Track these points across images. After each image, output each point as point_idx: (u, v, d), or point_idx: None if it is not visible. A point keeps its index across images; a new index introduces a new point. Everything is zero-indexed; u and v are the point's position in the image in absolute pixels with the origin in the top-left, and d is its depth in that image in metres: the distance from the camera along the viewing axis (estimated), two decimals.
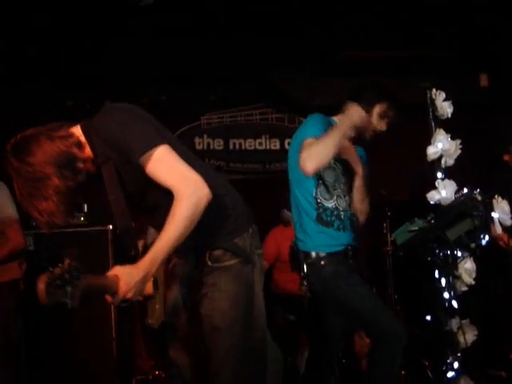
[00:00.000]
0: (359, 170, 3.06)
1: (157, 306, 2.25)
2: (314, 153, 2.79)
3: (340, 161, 3.03)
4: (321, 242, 2.98)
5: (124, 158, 2.01)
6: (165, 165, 1.97)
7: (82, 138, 2.07)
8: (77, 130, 2.09)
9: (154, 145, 1.96)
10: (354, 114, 2.87)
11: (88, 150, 2.08)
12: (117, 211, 2.09)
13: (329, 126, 2.95)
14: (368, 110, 3.00)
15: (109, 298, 1.94)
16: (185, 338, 2.26)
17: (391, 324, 2.88)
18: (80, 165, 2.03)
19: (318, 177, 3.00)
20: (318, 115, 3.06)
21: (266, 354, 2.21)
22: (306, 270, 2.97)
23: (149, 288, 2.18)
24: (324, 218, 3.00)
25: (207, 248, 2.14)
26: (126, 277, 1.89)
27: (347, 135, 2.86)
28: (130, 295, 1.91)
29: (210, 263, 2.13)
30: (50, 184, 1.95)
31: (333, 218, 3.01)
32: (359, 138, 3.10)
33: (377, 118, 3.08)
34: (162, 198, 2.02)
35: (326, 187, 3.01)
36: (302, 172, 2.83)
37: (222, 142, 5.72)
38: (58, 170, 1.96)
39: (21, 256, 3.87)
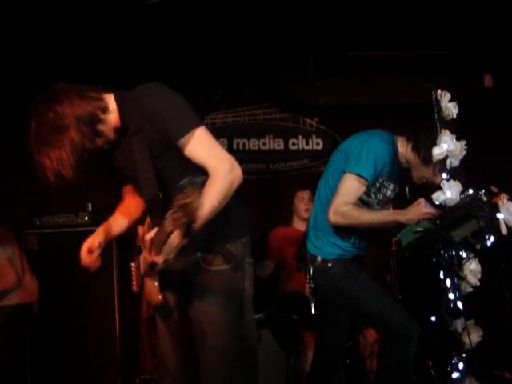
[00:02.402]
0: None
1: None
2: (349, 218, 2.79)
3: (380, 193, 2.95)
4: (331, 251, 2.95)
5: (158, 132, 2.04)
6: (203, 145, 2.03)
7: (113, 106, 2.12)
8: (109, 97, 2.14)
9: (195, 125, 2.02)
10: (414, 216, 2.79)
11: (115, 118, 2.13)
12: (144, 180, 2.12)
13: (389, 156, 2.86)
14: (430, 162, 2.92)
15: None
16: (175, 336, 2.28)
17: (402, 321, 2.84)
18: (100, 127, 2.08)
19: None
20: (381, 145, 2.88)
21: (256, 358, 2.23)
22: (312, 273, 2.96)
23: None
24: (344, 231, 2.91)
25: (201, 249, 2.15)
26: (170, 240, 1.90)
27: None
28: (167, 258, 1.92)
29: (202, 265, 2.15)
30: (67, 135, 2.01)
31: (352, 235, 2.95)
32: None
33: (435, 172, 2.96)
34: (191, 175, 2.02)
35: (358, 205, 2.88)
36: (326, 217, 2.83)
37: (225, 142, 5.70)
38: (78, 125, 2.02)
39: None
